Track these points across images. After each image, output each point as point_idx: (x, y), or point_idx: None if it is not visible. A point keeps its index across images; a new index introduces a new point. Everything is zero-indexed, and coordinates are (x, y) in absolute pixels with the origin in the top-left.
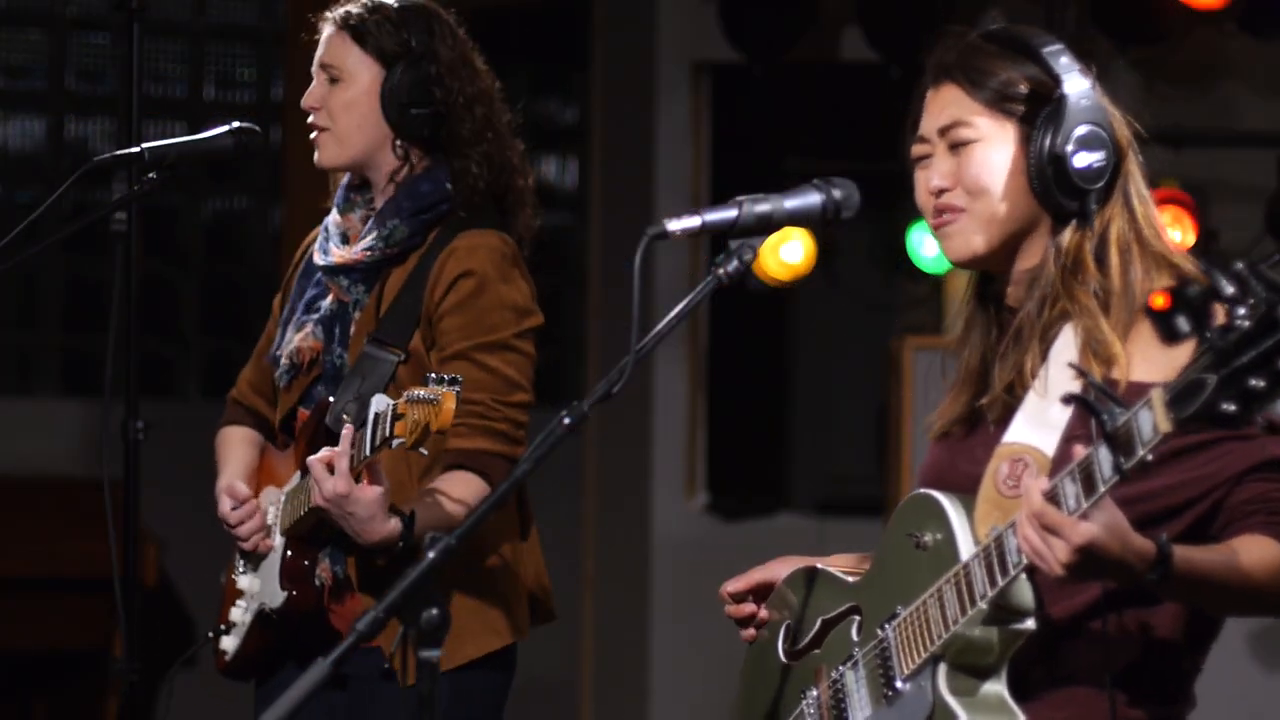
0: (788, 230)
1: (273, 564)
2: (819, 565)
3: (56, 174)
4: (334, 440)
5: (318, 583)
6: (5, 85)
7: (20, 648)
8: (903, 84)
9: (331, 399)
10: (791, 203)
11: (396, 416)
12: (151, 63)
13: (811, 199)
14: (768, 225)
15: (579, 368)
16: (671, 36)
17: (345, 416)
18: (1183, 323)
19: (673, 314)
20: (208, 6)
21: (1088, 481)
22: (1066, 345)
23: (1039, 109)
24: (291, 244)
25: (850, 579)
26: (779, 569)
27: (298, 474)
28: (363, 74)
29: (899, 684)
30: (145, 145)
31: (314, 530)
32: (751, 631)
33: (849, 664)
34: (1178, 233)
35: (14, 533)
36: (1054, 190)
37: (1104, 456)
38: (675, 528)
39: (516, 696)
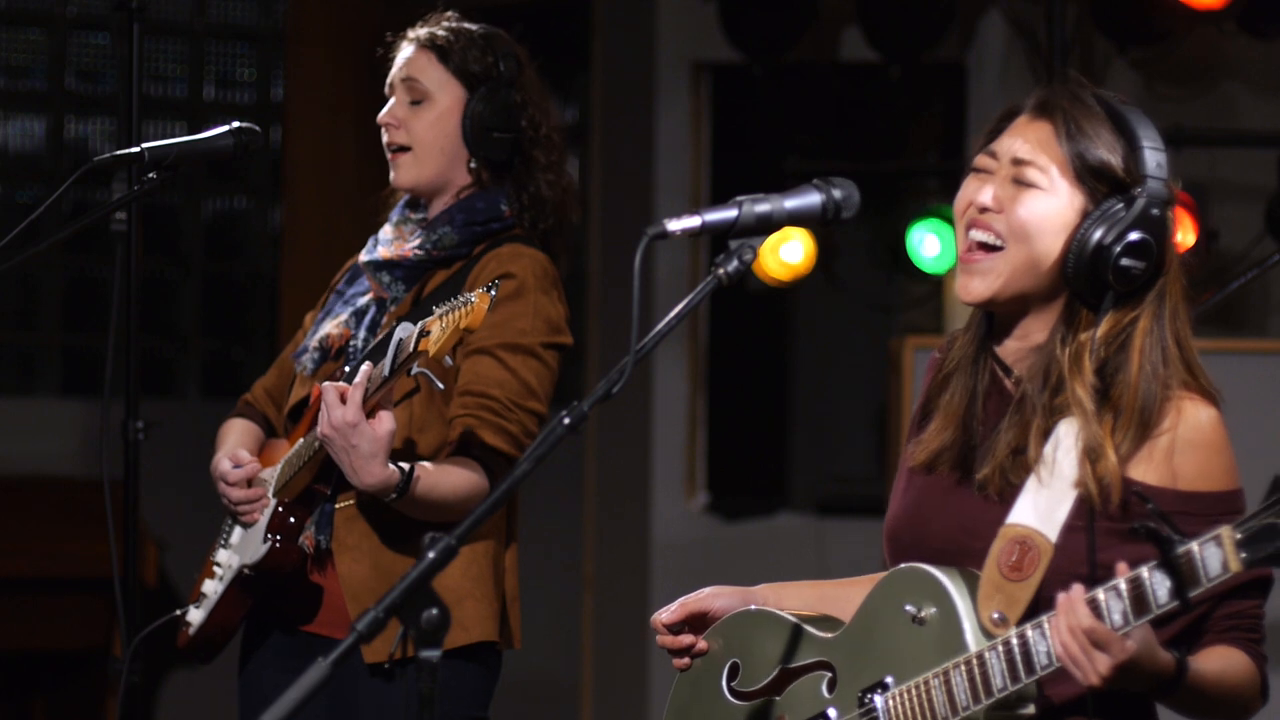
0: (788, 230)
1: (260, 525)
2: (771, 609)
3: (56, 174)
4: None
5: (301, 543)
6: (5, 85)
7: (20, 648)
8: (903, 84)
9: (347, 369)
10: (791, 203)
11: (423, 333)
12: (151, 63)
13: (811, 199)
14: (768, 225)
15: (579, 368)
16: (671, 36)
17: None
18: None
19: (673, 314)
20: (208, 6)
21: (1139, 602)
22: (1068, 436)
23: (1113, 192)
24: (292, 244)
25: (817, 632)
26: (712, 601)
27: (299, 443)
28: (446, 94)
29: None
30: (145, 145)
31: (306, 494)
32: (686, 661)
33: None
34: (1177, 233)
35: (14, 533)
36: (1085, 275)
37: (1160, 581)
38: (675, 528)
39: (516, 696)
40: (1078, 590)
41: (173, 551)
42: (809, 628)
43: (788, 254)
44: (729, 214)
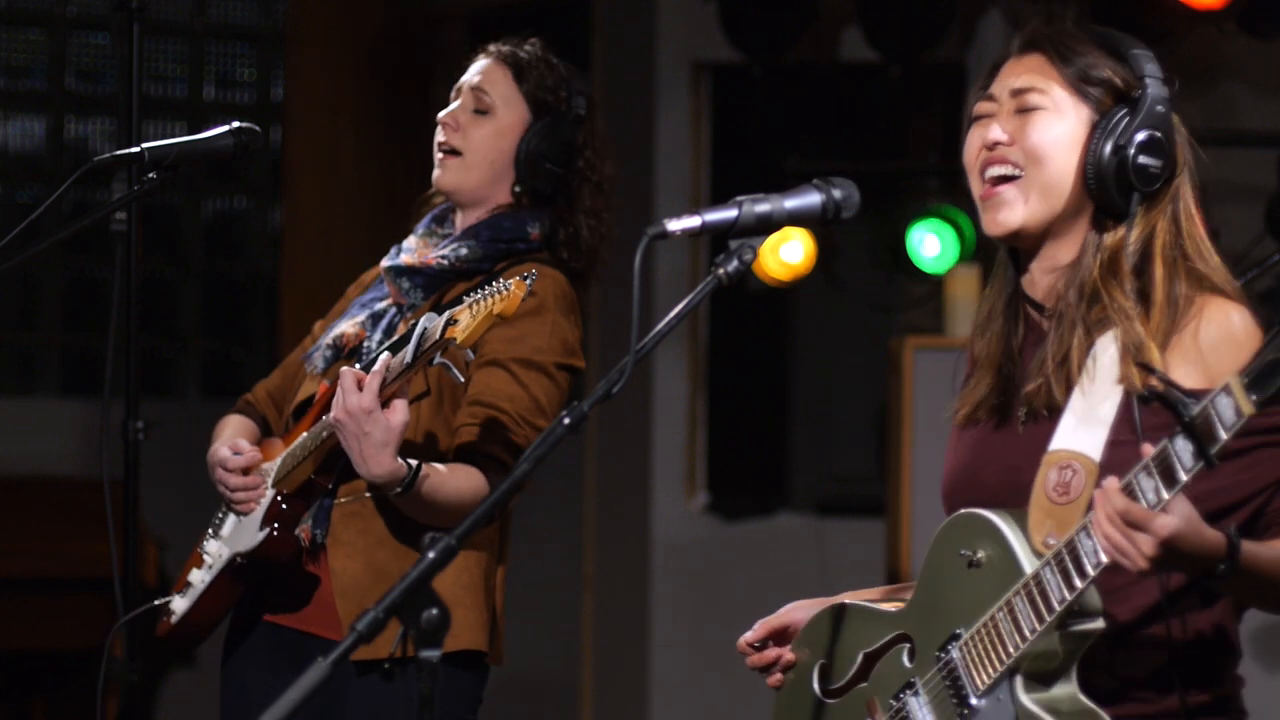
0: (788, 230)
1: (256, 515)
2: (847, 601)
3: (56, 174)
4: None
5: (297, 535)
6: (5, 85)
7: (20, 648)
8: (903, 84)
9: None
10: (791, 203)
11: (450, 322)
12: (151, 63)
13: (811, 199)
14: (768, 225)
15: None
16: (671, 36)
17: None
18: None
19: (673, 314)
20: (208, 6)
21: (1167, 474)
22: (1107, 350)
23: (1115, 102)
24: (292, 244)
25: (888, 609)
26: (794, 614)
27: (303, 435)
28: (511, 112)
29: (974, 700)
30: (145, 145)
31: (306, 486)
32: (779, 676)
33: (909, 691)
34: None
35: (14, 533)
36: (1108, 182)
37: (1183, 447)
38: (675, 528)
39: (517, 696)
40: (1111, 481)
41: (173, 551)
42: (880, 607)
43: (788, 254)
44: (729, 214)
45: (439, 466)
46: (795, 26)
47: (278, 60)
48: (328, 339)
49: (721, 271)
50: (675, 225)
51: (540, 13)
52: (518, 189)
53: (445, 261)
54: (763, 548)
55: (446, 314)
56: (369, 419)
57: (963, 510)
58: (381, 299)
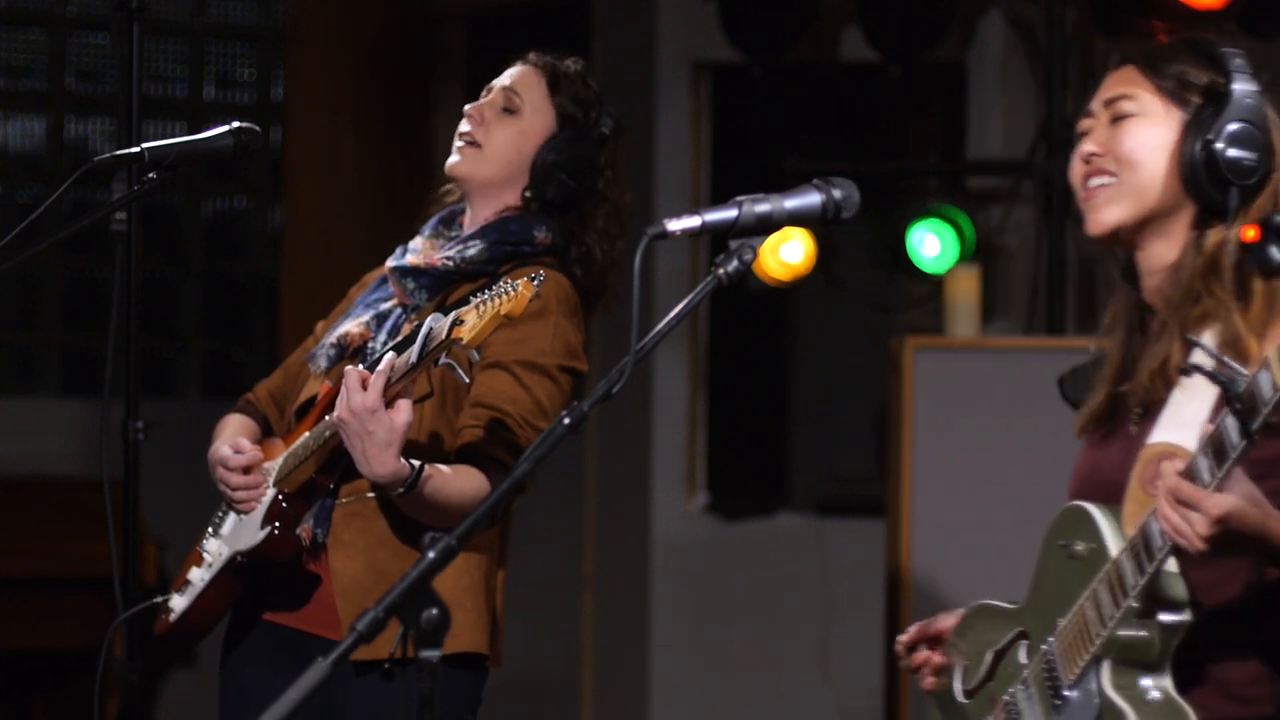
0: (788, 230)
1: (257, 514)
2: (986, 601)
3: (56, 174)
4: None
5: (298, 534)
6: (5, 85)
7: (20, 648)
8: (903, 84)
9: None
10: (791, 203)
11: (457, 322)
12: (151, 63)
13: (811, 199)
14: (768, 225)
15: None
16: (671, 36)
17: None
18: (1275, 252)
19: (673, 314)
20: (208, 6)
21: (1218, 453)
22: (1210, 342)
23: (1206, 103)
24: (292, 244)
25: (1011, 606)
26: (947, 619)
27: (305, 435)
28: (538, 119)
29: (1066, 692)
30: (145, 145)
31: (307, 485)
32: (931, 680)
33: (1019, 685)
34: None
35: (14, 533)
36: (1201, 178)
37: (1230, 425)
38: (675, 528)
39: (517, 696)
40: (1171, 463)
41: (173, 551)
42: (1005, 604)
43: (788, 254)
44: (729, 214)
45: (442, 467)
46: (795, 26)
47: (278, 60)
48: (331, 339)
49: (721, 271)
50: (675, 225)
51: (540, 13)
52: (528, 194)
53: (450, 263)
54: (763, 548)
55: (452, 314)
56: (373, 418)
57: (1068, 504)
58: (386, 299)
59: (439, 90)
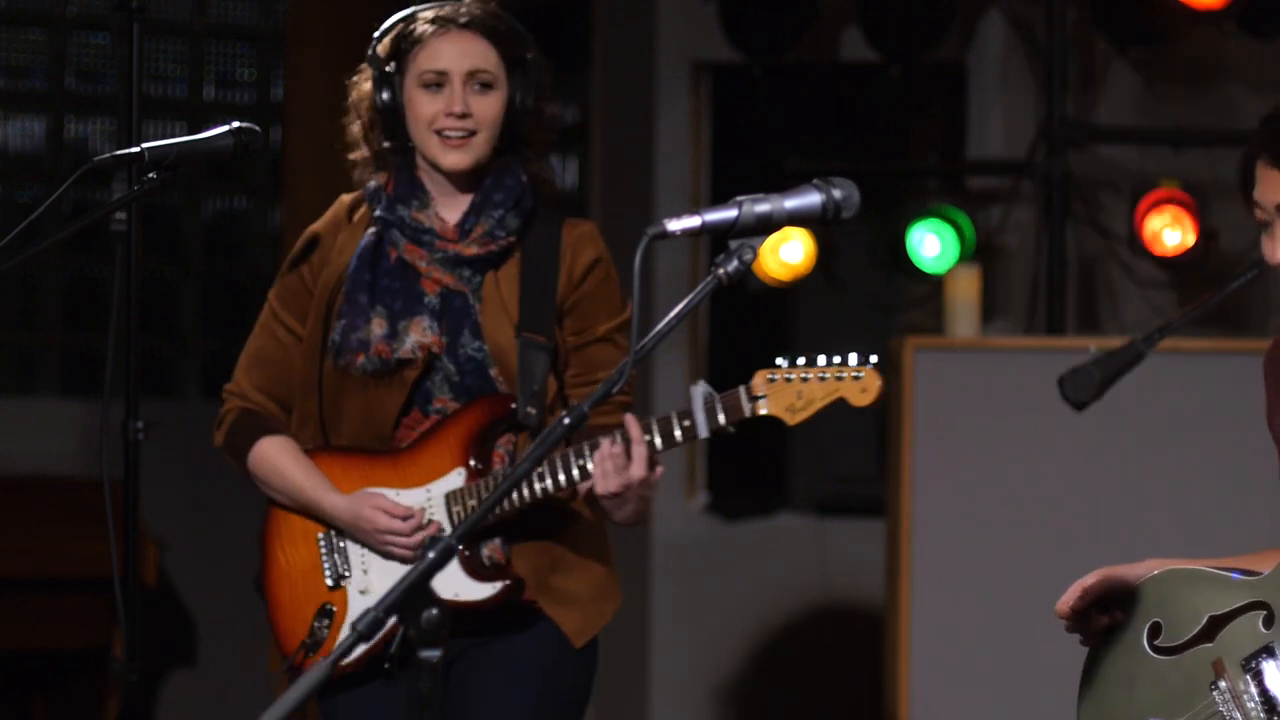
0: (788, 230)
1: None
2: (1189, 566)
3: (56, 174)
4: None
5: (487, 563)
6: (5, 85)
7: (20, 648)
8: (903, 84)
9: (492, 395)
10: (791, 203)
11: (756, 397)
12: (151, 63)
13: (811, 199)
14: (768, 225)
15: None
16: (671, 36)
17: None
18: None
19: (673, 314)
20: (208, 6)
21: None
22: None
23: None
24: (291, 244)
25: (1243, 577)
26: (1112, 579)
27: (457, 473)
28: (503, 79)
29: None
30: (145, 145)
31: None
32: (1095, 639)
33: (1265, 655)
34: (1177, 233)
35: (14, 533)
36: None
37: None
38: (675, 528)
39: None
40: None
41: (173, 551)
42: (1233, 575)
43: (788, 254)
44: (729, 214)
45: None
46: (795, 26)
47: (278, 60)
48: (385, 348)
49: (721, 271)
50: (675, 225)
51: (540, 13)
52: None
53: (499, 243)
54: (763, 548)
55: (746, 391)
56: (648, 485)
57: None
58: (409, 291)
59: None
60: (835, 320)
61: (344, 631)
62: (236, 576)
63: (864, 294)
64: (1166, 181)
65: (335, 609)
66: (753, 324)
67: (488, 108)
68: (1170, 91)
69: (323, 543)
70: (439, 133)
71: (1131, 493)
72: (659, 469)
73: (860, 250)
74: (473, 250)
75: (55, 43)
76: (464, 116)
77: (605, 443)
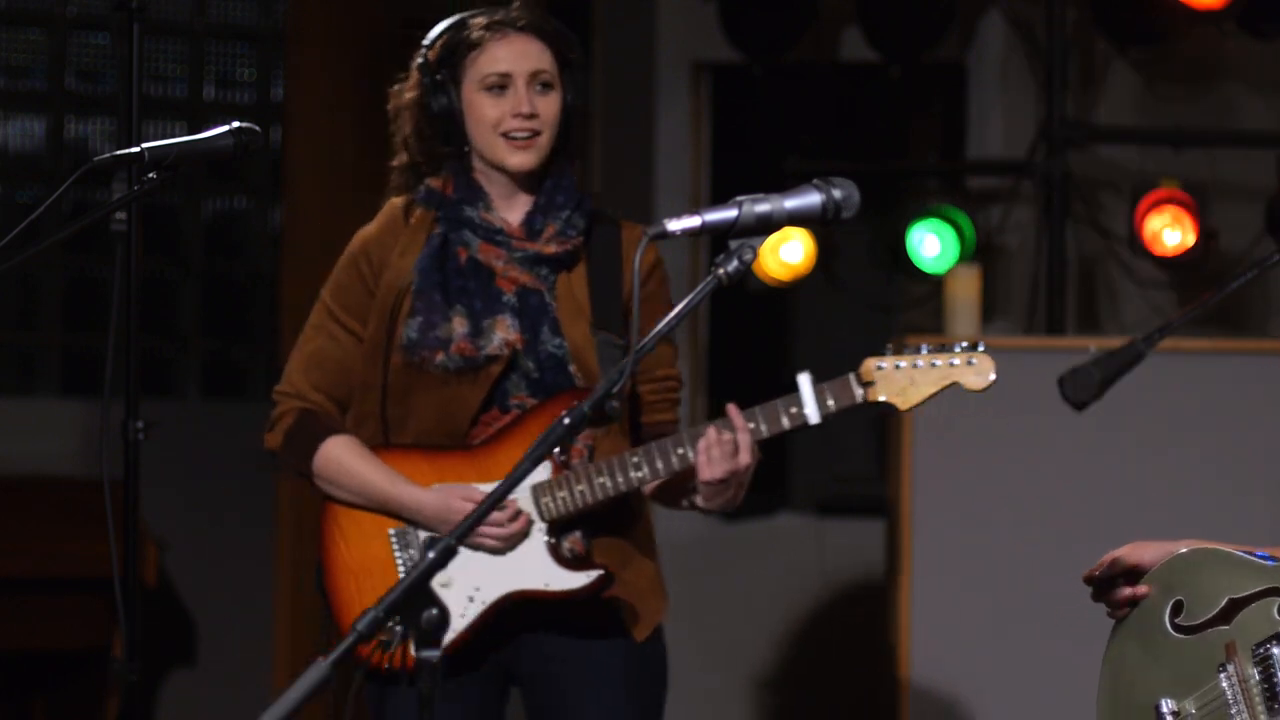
0: (788, 230)
1: (531, 554)
2: (1218, 546)
3: (56, 174)
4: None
5: (568, 554)
6: (5, 85)
7: (20, 648)
8: (903, 84)
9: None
10: (791, 203)
11: (867, 383)
12: (151, 63)
13: (811, 199)
14: (768, 225)
15: None
16: (671, 36)
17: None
18: None
19: (673, 314)
20: (208, 6)
21: None
22: None
23: None
24: (292, 244)
25: (1265, 562)
26: (1141, 553)
27: (543, 466)
28: (558, 80)
29: None
30: (145, 145)
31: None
32: (1125, 610)
33: (1275, 641)
34: (1177, 233)
35: (14, 533)
36: None
37: None
38: (675, 527)
39: (516, 695)
40: None
41: (173, 551)
42: (1256, 559)
43: (788, 254)
44: (729, 214)
45: None
46: (795, 26)
47: (278, 60)
48: (469, 345)
49: (721, 271)
50: (675, 225)
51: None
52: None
53: (571, 243)
54: (763, 547)
55: (855, 379)
56: (747, 473)
57: None
58: (484, 290)
59: None
60: (835, 320)
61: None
62: (236, 576)
63: (864, 294)
64: (1166, 181)
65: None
66: (753, 324)
67: (550, 107)
68: (1170, 91)
69: (395, 538)
70: (505, 134)
71: (1131, 493)
72: (756, 457)
73: (860, 250)
74: (551, 249)
75: (55, 43)
76: (531, 117)
77: (711, 430)
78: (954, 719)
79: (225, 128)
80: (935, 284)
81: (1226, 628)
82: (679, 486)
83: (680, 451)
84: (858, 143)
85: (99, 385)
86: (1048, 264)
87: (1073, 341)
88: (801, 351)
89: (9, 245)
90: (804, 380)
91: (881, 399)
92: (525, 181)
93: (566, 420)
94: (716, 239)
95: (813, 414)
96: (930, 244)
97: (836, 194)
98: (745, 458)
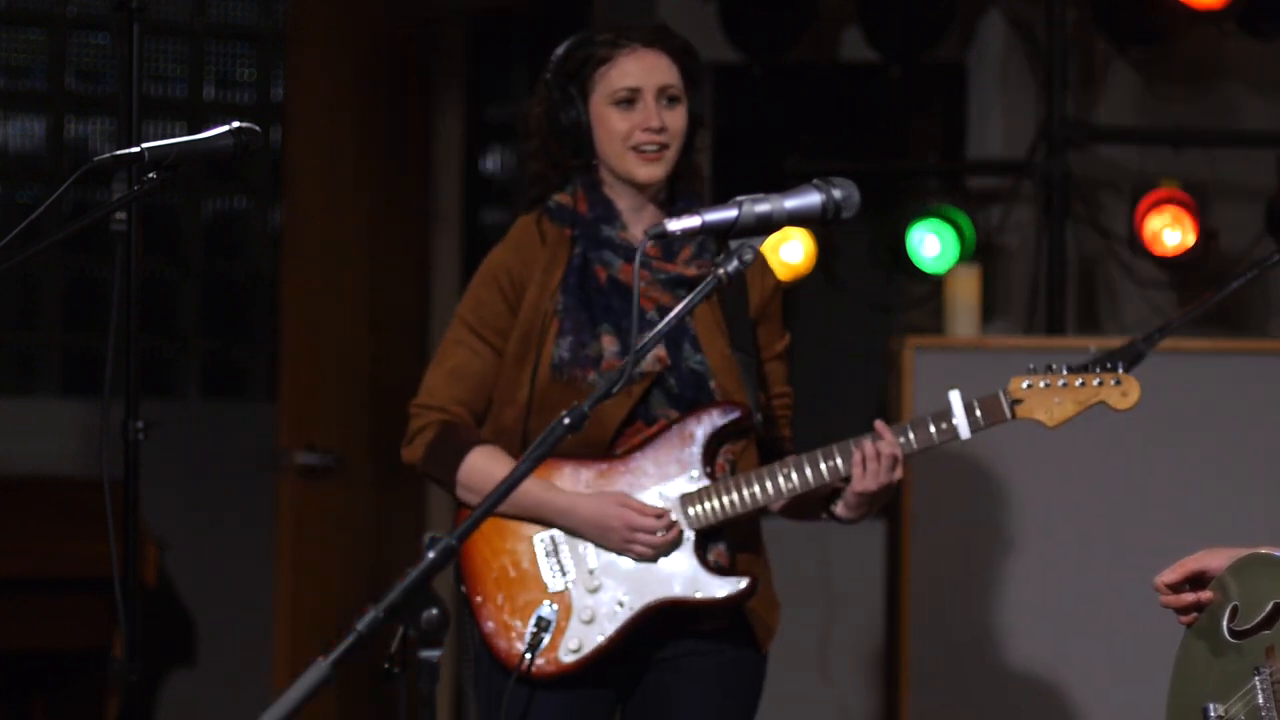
0: (788, 230)
1: (681, 562)
2: (1274, 551)
3: (56, 174)
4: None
5: (714, 564)
6: (5, 85)
7: (20, 648)
8: (903, 84)
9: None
10: (791, 203)
11: (1015, 401)
12: (151, 63)
13: (811, 199)
14: (768, 225)
15: None
16: None
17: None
18: None
19: (673, 314)
20: (208, 6)
21: None
22: None
23: None
24: (292, 244)
25: None
26: (1209, 559)
27: (688, 476)
28: (683, 94)
29: None
30: (145, 145)
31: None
32: (1193, 616)
33: None
34: (1177, 233)
35: (14, 533)
36: None
37: None
38: None
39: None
40: None
41: (173, 551)
42: None
43: (788, 254)
44: (729, 214)
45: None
46: (795, 26)
47: (278, 60)
48: (615, 361)
49: (721, 271)
50: (675, 225)
51: (540, 13)
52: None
53: (707, 267)
54: None
55: (1006, 395)
56: (893, 486)
57: None
58: (625, 310)
59: (439, 90)
60: (835, 320)
61: (570, 629)
62: (236, 576)
63: (864, 294)
64: (1166, 181)
65: (557, 608)
66: None
67: (678, 120)
68: (1170, 91)
69: (540, 544)
70: (634, 148)
71: (1132, 493)
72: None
73: (860, 250)
74: (692, 271)
75: (55, 43)
76: (660, 130)
77: (866, 443)
78: (954, 718)
79: (225, 128)
80: (935, 284)
81: (1270, 632)
82: (816, 498)
83: (831, 463)
84: (858, 143)
85: (99, 385)
86: (1048, 264)
87: (1073, 341)
88: (802, 351)
89: (9, 245)
90: (954, 396)
91: (1031, 417)
92: (652, 194)
93: (566, 420)
94: (717, 239)
95: (964, 428)
96: (930, 244)
97: (836, 194)
98: (899, 472)
